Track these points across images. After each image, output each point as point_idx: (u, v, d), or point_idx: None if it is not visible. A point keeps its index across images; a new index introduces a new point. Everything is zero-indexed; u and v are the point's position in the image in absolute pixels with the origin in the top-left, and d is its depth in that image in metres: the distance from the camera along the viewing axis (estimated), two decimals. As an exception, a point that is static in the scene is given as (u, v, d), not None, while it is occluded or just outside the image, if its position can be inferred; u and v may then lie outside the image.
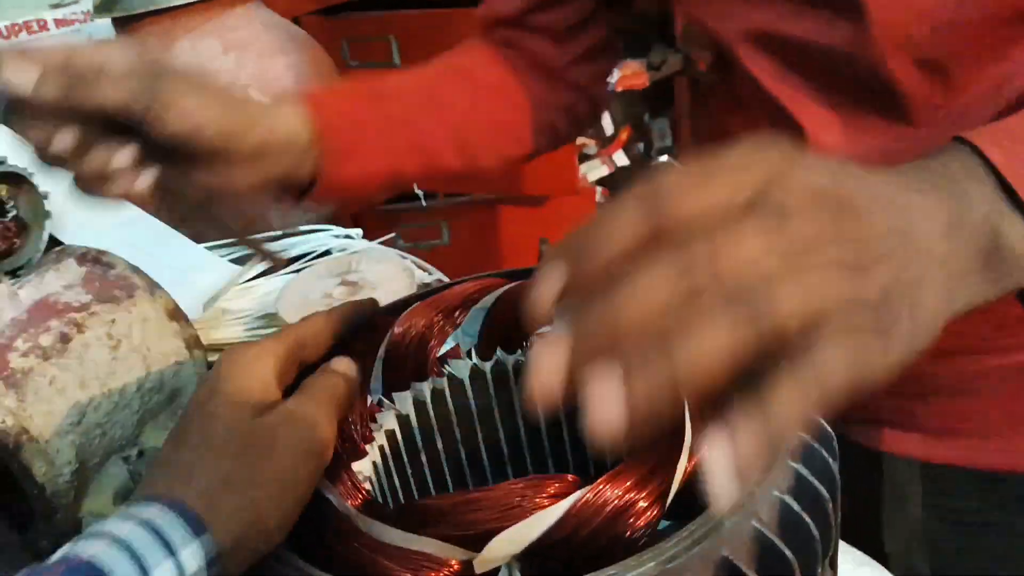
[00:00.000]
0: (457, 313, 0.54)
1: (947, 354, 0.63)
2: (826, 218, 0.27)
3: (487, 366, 0.55)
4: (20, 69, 0.45)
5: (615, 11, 0.80)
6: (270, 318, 1.05)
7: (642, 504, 0.37)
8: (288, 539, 0.40)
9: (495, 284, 0.55)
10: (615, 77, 2.28)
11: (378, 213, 1.91)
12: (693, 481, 0.38)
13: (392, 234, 1.23)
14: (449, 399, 0.55)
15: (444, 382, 0.54)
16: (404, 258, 1.08)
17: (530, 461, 0.58)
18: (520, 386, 0.55)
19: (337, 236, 1.23)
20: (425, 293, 0.56)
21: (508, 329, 0.54)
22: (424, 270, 1.07)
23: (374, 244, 1.18)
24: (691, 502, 0.37)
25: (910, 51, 0.55)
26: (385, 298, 0.90)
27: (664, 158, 2.80)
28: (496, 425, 0.57)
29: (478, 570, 0.37)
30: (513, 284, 0.55)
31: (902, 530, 0.71)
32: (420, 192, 1.76)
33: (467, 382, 0.54)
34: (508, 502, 0.39)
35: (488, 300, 0.55)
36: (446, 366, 0.53)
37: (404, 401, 0.52)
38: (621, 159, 2.70)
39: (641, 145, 2.89)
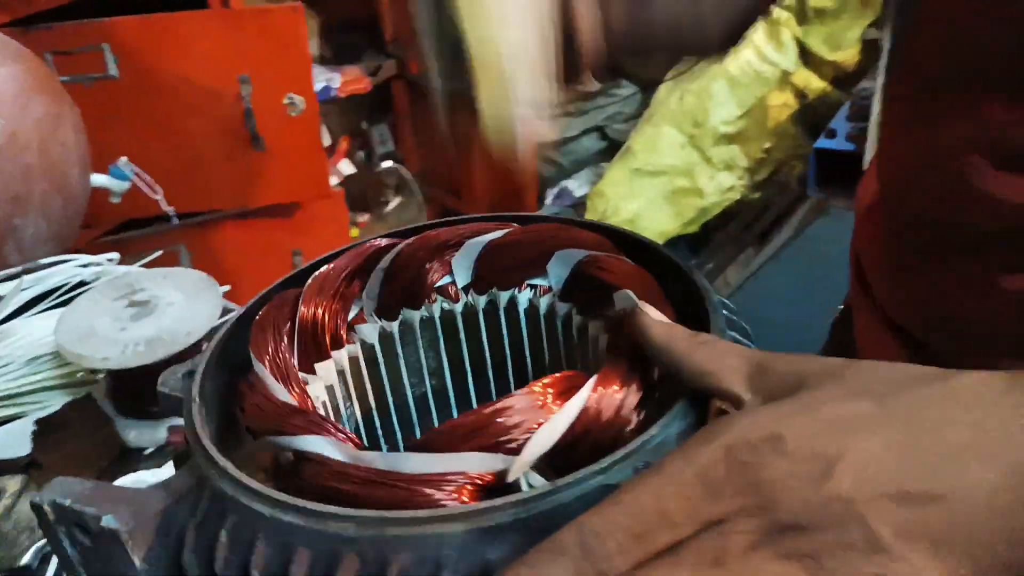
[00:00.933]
0: (453, 249, 0.56)
1: None
2: None
3: (481, 304, 0.56)
4: None
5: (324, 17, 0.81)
6: (52, 357, 0.92)
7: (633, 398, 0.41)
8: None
9: (494, 227, 0.56)
10: (337, 83, 2.26)
11: (100, 245, 1.71)
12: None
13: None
14: (439, 328, 0.59)
15: (436, 311, 0.58)
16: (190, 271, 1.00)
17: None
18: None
19: (87, 265, 1.11)
20: (428, 225, 0.59)
21: (499, 271, 0.57)
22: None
23: (135, 267, 1.09)
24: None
25: None
26: (197, 311, 0.85)
27: (387, 164, 2.83)
28: (486, 364, 0.58)
29: (512, 477, 0.37)
30: (513, 228, 0.56)
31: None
32: (168, 211, 1.60)
33: (459, 317, 0.57)
34: (535, 403, 0.40)
35: (482, 240, 0.55)
36: (441, 299, 0.58)
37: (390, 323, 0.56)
38: (347, 168, 2.68)
39: (363, 153, 2.90)
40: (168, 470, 0.82)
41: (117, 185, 1.32)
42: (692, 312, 0.47)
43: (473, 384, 0.62)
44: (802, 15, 1.82)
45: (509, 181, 2.39)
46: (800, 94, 1.80)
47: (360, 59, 2.59)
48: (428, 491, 0.39)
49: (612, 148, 2.43)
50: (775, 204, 1.71)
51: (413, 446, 0.41)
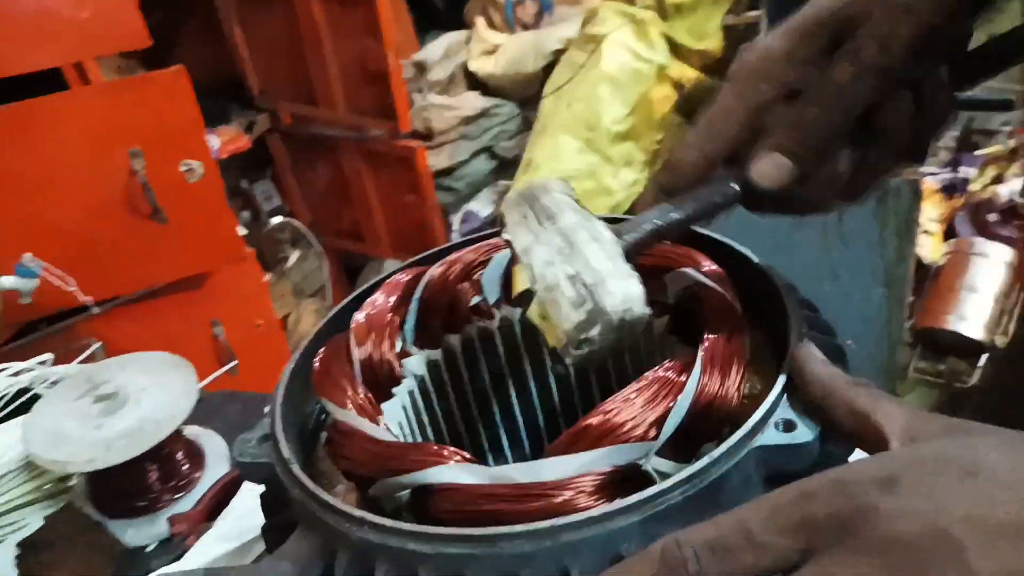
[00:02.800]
0: (480, 267, 0.56)
1: None
2: None
3: (515, 316, 0.56)
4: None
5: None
6: (18, 472, 0.86)
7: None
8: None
9: None
10: (217, 145, 2.19)
11: (4, 353, 1.57)
12: None
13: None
14: (478, 348, 0.59)
15: (473, 331, 0.58)
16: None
17: (560, 408, 0.60)
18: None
19: (18, 373, 1.04)
20: (449, 247, 0.59)
21: None
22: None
23: (74, 365, 1.04)
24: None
25: None
26: (174, 392, 0.82)
27: (276, 219, 2.76)
28: (527, 375, 0.58)
29: (648, 463, 0.39)
30: None
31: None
32: (86, 301, 1.49)
33: (496, 333, 0.57)
34: (649, 394, 0.41)
35: (508, 254, 0.56)
36: (476, 319, 0.58)
37: (435, 352, 0.56)
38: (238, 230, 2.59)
39: (247, 213, 2.81)
40: (195, 559, 0.77)
41: (25, 284, 1.24)
42: (765, 307, 0.48)
43: (516, 397, 0.62)
44: (663, 12, 1.93)
45: (409, 217, 2.39)
46: (677, 85, 1.90)
47: (229, 119, 2.52)
48: (569, 494, 0.39)
49: (503, 166, 2.47)
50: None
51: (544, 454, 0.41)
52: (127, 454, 0.79)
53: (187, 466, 0.92)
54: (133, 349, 1.62)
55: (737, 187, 0.48)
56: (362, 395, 0.49)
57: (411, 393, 0.56)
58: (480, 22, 2.34)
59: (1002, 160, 1.94)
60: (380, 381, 0.52)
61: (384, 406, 0.52)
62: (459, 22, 2.58)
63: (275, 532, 0.46)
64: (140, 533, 0.83)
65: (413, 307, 0.57)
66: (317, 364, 0.52)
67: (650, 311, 0.41)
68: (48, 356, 1.09)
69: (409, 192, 2.27)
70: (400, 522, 0.38)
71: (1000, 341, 1.65)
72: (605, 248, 0.42)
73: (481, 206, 2.32)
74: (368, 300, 0.56)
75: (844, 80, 0.45)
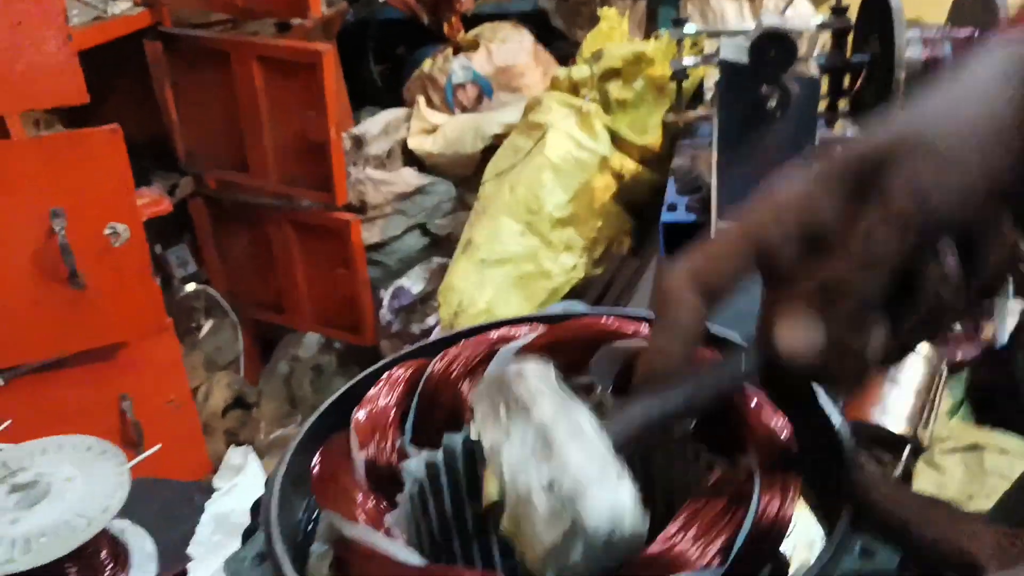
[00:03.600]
0: (484, 359, 0.51)
1: None
2: None
3: None
4: None
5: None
6: None
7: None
8: None
9: (521, 330, 0.53)
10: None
11: None
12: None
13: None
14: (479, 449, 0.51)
15: (474, 431, 0.52)
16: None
17: None
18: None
19: None
20: (450, 338, 0.55)
21: None
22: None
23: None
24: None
25: None
26: (104, 483, 0.74)
27: (190, 286, 2.63)
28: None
29: None
30: (540, 332, 0.53)
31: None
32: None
33: None
34: (711, 520, 0.39)
35: (515, 346, 0.52)
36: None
37: (433, 453, 0.51)
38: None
39: (158, 279, 2.67)
40: None
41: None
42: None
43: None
44: (607, 106, 1.98)
45: (337, 291, 2.32)
46: (618, 176, 1.94)
47: (149, 181, 2.41)
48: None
49: (436, 243, 2.45)
50: (620, 275, 1.80)
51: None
52: (52, 555, 0.70)
53: (111, 566, 0.82)
54: (34, 423, 1.48)
55: (749, 363, 0.40)
56: (372, 505, 0.44)
57: (411, 497, 0.51)
58: (421, 101, 2.34)
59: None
60: (384, 487, 0.47)
61: (388, 516, 0.47)
62: (395, 97, 2.58)
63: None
64: (58, 648, 0.73)
65: (414, 404, 0.53)
66: (317, 468, 0.46)
67: (646, 525, 0.35)
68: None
69: (340, 265, 2.21)
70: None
71: (922, 435, 1.70)
72: (588, 446, 0.36)
73: (412, 282, 2.28)
74: (368, 396, 0.51)
75: (875, 231, 0.36)
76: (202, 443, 1.98)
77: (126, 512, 0.92)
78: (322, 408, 0.52)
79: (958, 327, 1.99)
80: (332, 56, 1.88)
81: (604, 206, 1.92)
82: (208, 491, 0.89)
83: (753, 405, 0.45)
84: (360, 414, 0.49)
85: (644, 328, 0.54)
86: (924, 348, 1.86)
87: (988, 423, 1.80)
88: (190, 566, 0.77)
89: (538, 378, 0.40)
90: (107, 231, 1.43)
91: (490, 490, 0.38)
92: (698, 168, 1.63)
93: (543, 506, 0.34)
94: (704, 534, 0.38)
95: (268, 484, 0.46)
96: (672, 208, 1.54)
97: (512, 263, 1.83)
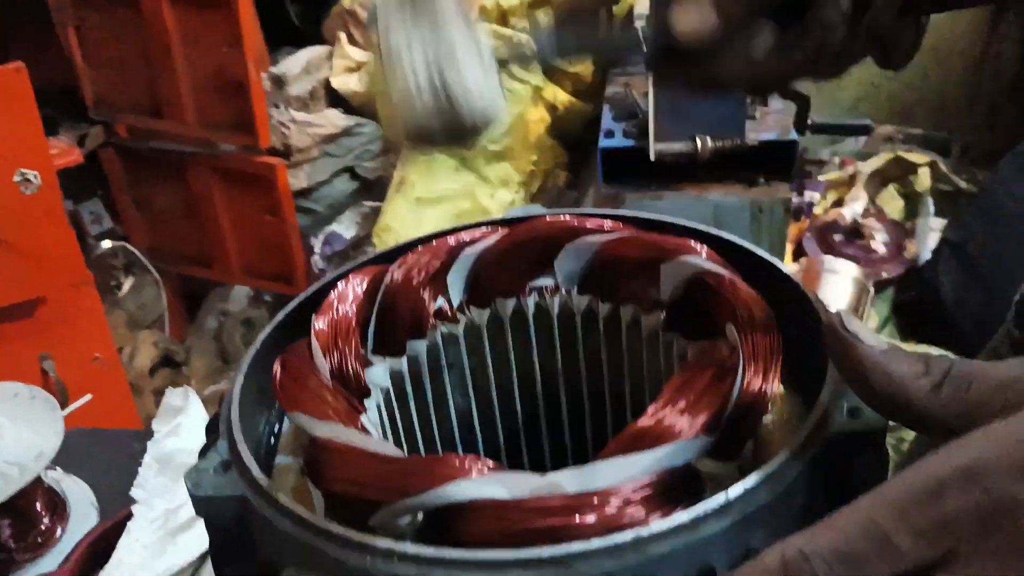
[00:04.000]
0: (445, 264, 0.49)
1: None
2: None
3: (484, 317, 0.51)
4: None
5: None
6: None
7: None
8: None
9: (484, 235, 0.51)
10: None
11: None
12: None
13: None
14: (443, 355, 0.53)
15: (438, 337, 0.53)
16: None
17: (521, 416, 0.55)
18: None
19: None
20: (410, 244, 0.53)
21: (502, 279, 0.51)
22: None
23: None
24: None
25: None
26: (37, 430, 0.71)
27: (107, 243, 2.51)
28: (489, 378, 0.53)
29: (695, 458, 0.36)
30: (502, 235, 0.51)
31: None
32: None
33: (462, 338, 0.50)
34: (697, 393, 0.38)
35: (476, 249, 0.50)
36: (440, 323, 0.52)
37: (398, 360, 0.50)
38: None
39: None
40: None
41: None
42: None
43: (477, 405, 0.57)
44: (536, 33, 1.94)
45: (265, 240, 2.24)
46: (551, 107, 1.91)
47: (56, 131, 2.27)
48: (634, 501, 0.34)
49: (366, 186, 2.38)
50: (559, 208, 1.79)
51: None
52: (-17, 504, 0.65)
53: (47, 518, 0.78)
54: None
55: (646, 34, 0.45)
56: (344, 404, 0.41)
57: (378, 407, 0.49)
58: (342, 38, 2.25)
59: (841, 185, 2.10)
60: (351, 394, 0.44)
61: (362, 419, 0.45)
62: (315, 38, 2.48)
63: None
64: (-3, 600, 0.69)
65: (375, 312, 0.50)
66: (279, 374, 0.44)
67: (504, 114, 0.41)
68: None
69: (267, 213, 2.13)
70: (444, 549, 0.31)
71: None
72: (483, 61, 0.41)
73: (344, 228, 2.22)
74: (327, 303, 0.48)
75: None
76: (131, 401, 1.90)
77: (62, 463, 0.88)
78: (276, 320, 0.49)
79: (881, 248, 2.06)
80: (247, -12, 1.78)
81: (539, 139, 1.90)
82: (148, 436, 0.85)
83: (727, 282, 0.44)
84: (320, 323, 0.47)
85: (607, 224, 0.52)
86: (852, 270, 1.91)
87: (913, 339, 1.88)
88: (134, 508, 0.73)
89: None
90: (16, 178, 1.34)
91: (377, 78, 0.40)
92: (632, 95, 1.62)
93: (428, 94, 0.39)
94: (691, 407, 0.37)
95: (226, 398, 0.43)
96: (610, 134, 1.52)
97: (449, 201, 1.79)
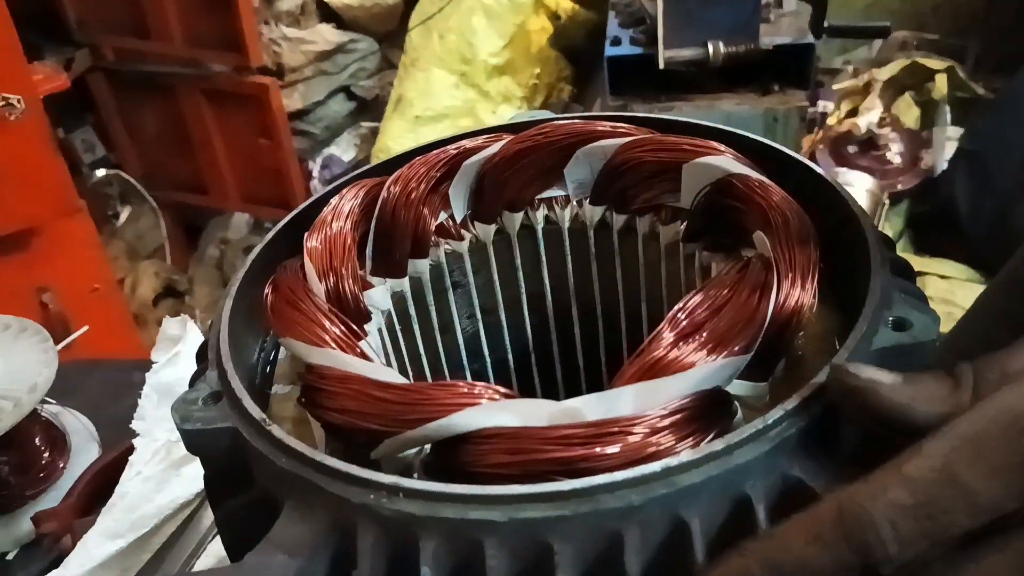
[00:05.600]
0: (446, 176, 0.45)
1: None
2: None
3: (490, 233, 0.47)
4: None
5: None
6: None
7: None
8: None
9: (483, 142, 0.46)
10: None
11: None
12: None
13: None
14: (447, 275, 0.50)
15: (441, 255, 0.50)
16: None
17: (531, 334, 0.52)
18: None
19: None
20: (407, 154, 0.48)
21: (508, 190, 0.47)
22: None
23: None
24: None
25: None
26: (28, 360, 0.68)
27: (101, 172, 2.45)
28: (496, 299, 0.50)
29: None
30: (508, 140, 0.47)
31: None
32: None
33: (466, 256, 0.47)
34: (727, 307, 0.34)
35: (481, 157, 0.46)
36: (443, 240, 0.49)
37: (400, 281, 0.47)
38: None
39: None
40: (79, 564, 0.62)
41: None
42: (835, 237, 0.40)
43: (485, 327, 0.53)
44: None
45: (261, 164, 2.18)
46: (554, 16, 1.83)
47: (41, 56, 2.18)
48: (650, 430, 0.31)
49: (362, 107, 2.31)
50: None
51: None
52: (-23, 439, 0.63)
53: (47, 453, 0.76)
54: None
55: None
56: (342, 329, 0.38)
57: (379, 331, 0.46)
58: (332, -52, 2.15)
59: (855, 95, 2.02)
60: (349, 318, 0.41)
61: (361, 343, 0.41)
62: (305, -50, 2.36)
63: (241, 518, 0.35)
64: (-2, 536, 0.68)
65: (372, 229, 0.46)
66: (270, 297, 0.40)
67: None
68: None
69: (261, 136, 2.06)
70: (453, 485, 0.29)
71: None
72: None
73: (342, 150, 2.16)
74: (318, 220, 0.45)
75: None
76: (134, 330, 1.89)
77: (60, 396, 0.86)
78: (267, 239, 0.46)
79: (896, 159, 1.99)
80: None
81: (541, 51, 1.82)
82: (147, 366, 0.82)
83: (757, 184, 0.40)
84: (313, 241, 0.43)
85: (622, 126, 0.48)
86: (866, 182, 1.86)
87: (929, 252, 1.83)
88: (136, 441, 0.71)
89: None
90: (0, 103, 1.28)
91: None
92: (639, 0, 1.54)
93: None
94: (723, 328, 0.33)
95: (214, 324, 0.40)
96: (616, 42, 1.45)
97: (449, 118, 1.73)
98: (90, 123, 2.47)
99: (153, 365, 0.79)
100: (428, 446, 0.33)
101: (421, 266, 0.49)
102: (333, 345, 0.36)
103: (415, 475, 0.34)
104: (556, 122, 0.49)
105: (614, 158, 0.47)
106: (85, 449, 0.80)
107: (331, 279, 0.41)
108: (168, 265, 2.56)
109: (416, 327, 0.50)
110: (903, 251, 1.85)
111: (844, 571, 0.24)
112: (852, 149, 1.90)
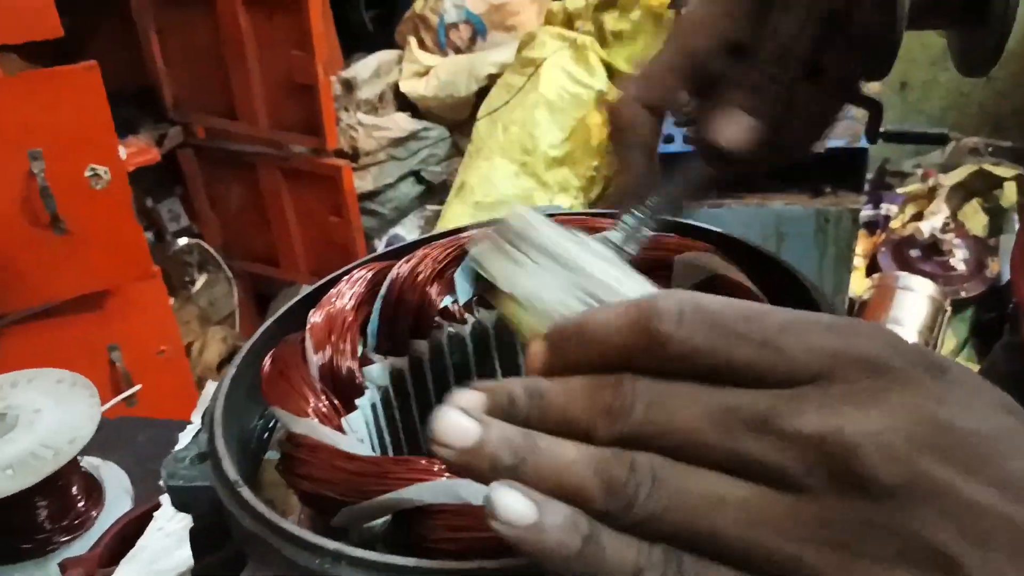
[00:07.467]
0: (453, 261, 0.48)
1: None
2: None
3: (492, 319, 0.49)
4: None
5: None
6: None
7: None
8: None
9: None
10: (124, 157, 2.04)
11: None
12: None
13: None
14: (448, 356, 0.52)
15: (443, 337, 0.51)
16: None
17: None
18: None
19: None
20: (418, 242, 0.52)
21: None
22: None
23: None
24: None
25: None
26: (75, 414, 0.72)
27: (183, 240, 2.60)
28: (498, 377, 0.52)
29: None
30: None
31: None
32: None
33: (468, 339, 0.49)
34: None
35: None
36: (446, 323, 0.51)
37: (400, 359, 0.49)
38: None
39: (151, 234, 2.63)
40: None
41: None
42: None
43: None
44: (603, 39, 1.92)
45: (331, 241, 2.28)
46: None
47: (136, 130, 2.36)
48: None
49: (430, 191, 2.40)
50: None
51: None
52: (17, 485, 0.67)
53: (83, 502, 0.80)
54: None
55: (701, 161, 0.45)
56: (325, 403, 0.40)
57: (373, 406, 0.48)
58: (412, 43, 2.28)
59: (921, 198, 2.00)
60: (341, 391, 0.44)
61: (344, 420, 0.44)
62: (388, 42, 2.51)
63: (214, 573, 0.37)
64: (25, 580, 0.71)
65: (376, 308, 0.49)
66: (267, 368, 0.43)
67: None
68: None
69: (332, 214, 2.17)
70: (392, 556, 0.30)
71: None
72: (605, 258, 0.36)
73: (407, 231, 2.24)
74: (326, 297, 0.48)
75: (791, 30, 0.42)
76: (194, 394, 1.96)
77: (105, 450, 0.90)
78: (279, 313, 0.49)
79: (961, 265, 1.95)
80: (317, -8, 1.81)
81: (601, 144, 1.87)
82: (186, 427, 0.86)
83: (736, 286, 0.41)
84: (316, 316, 0.46)
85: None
86: (928, 287, 1.82)
87: (994, 361, 1.76)
88: (162, 498, 0.74)
89: (532, 216, 0.38)
90: (88, 173, 1.39)
91: (523, 322, 0.35)
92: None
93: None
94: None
95: (216, 389, 0.43)
96: (669, 140, 1.49)
97: (506, 205, 1.78)
98: (177, 194, 2.63)
99: (187, 426, 0.83)
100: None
101: (422, 346, 0.51)
102: (313, 416, 0.38)
103: (378, 544, 0.36)
104: (559, 218, 0.52)
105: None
106: (119, 502, 0.83)
107: (327, 353, 0.44)
108: (236, 332, 2.66)
109: (414, 403, 0.52)
110: (966, 359, 1.78)
111: (627, 333, 0.26)
112: (915, 253, 1.87)
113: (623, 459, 0.25)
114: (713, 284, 0.43)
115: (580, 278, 0.35)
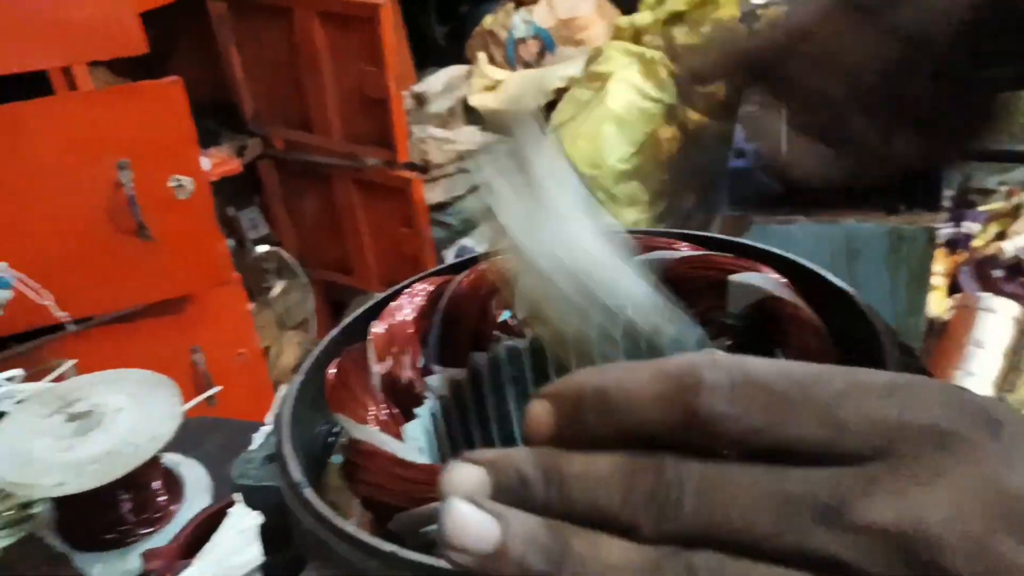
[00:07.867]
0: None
1: None
2: None
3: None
4: None
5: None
6: None
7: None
8: None
9: None
10: (207, 167, 2.13)
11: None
12: None
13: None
14: (506, 369, 0.53)
15: (501, 351, 0.52)
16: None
17: None
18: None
19: None
20: (472, 258, 0.53)
21: None
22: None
23: (45, 383, 0.96)
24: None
25: None
26: (155, 413, 0.75)
27: (262, 248, 2.69)
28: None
29: None
30: None
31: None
32: (62, 317, 1.40)
33: (526, 354, 0.50)
34: None
35: None
36: (504, 336, 0.52)
37: (459, 371, 0.50)
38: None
39: (232, 241, 2.73)
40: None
41: (-1, 295, 1.16)
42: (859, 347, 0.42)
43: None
44: (671, 52, 1.91)
45: (401, 251, 2.33)
46: (683, 126, 1.88)
47: (219, 142, 2.46)
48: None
49: (499, 203, 2.42)
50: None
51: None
52: (100, 479, 0.72)
53: (164, 497, 0.84)
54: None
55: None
56: (385, 411, 0.42)
57: (433, 415, 0.50)
58: (482, 57, 2.32)
59: (1005, 216, 1.93)
60: (401, 400, 0.45)
61: (404, 428, 0.46)
62: (459, 57, 2.56)
63: (278, 571, 0.39)
64: (109, 568, 0.75)
65: (436, 321, 0.51)
66: (332, 376, 0.45)
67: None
68: (17, 372, 1.02)
69: (403, 225, 2.22)
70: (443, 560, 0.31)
71: (1010, 398, 1.60)
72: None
73: (476, 242, 2.27)
74: (387, 309, 0.50)
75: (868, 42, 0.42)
76: (271, 396, 2.02)
77: (184, 447, 0.95)
78: (343, 324, 0.51)
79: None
80: (389, 9, 1.86)
81: (671, 158, 1.87)
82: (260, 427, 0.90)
83: (790, 307, 0.42)
84: (378, 327, 0.48)
85: (680, 244, 0.51)
86: (1012, 309, 1.75)
87: (1082, 386, 1.68)
88: (235, 496, 0.78)
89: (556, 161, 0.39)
90: (171, 183, 1.47)
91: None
92: (768, 114, 1.56)
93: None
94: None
95: (287, 393, 0.45)
96: (740, 154, 1.47)
97: (573, 218, 1.79)
98: (257, 204, 2.73)
99: (261, 428, 0.86)
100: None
101: (480, 359, 0.52)
102: (373, 424, 0.40)
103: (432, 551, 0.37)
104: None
105: (668, 272, 0.50)
106: (199, 497, 0.87)
107: (387, 363, 0.46)
108: (311, 337, 2.74)
109: (473, 414, 0.53)
110: (1052, 386, 1.70)
111: (663, 407, 0.23)
112: (998, 273, 1.80)
113: (679, 563, 0.22)
114: (766, 307, 0.43)
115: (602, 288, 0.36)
